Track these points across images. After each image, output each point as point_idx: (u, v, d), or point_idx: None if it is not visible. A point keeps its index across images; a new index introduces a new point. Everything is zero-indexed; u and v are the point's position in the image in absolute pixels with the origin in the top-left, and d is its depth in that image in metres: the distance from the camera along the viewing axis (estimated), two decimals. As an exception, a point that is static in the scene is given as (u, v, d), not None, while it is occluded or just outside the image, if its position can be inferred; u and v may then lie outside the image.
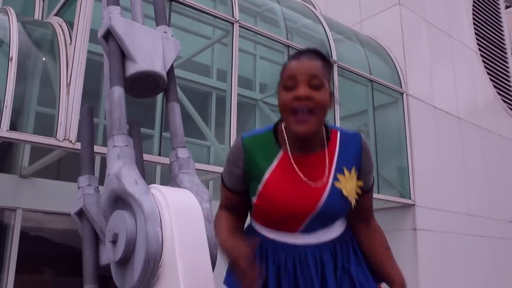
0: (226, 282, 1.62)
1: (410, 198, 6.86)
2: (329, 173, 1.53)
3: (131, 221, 1.77)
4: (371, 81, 7.08)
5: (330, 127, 1.60)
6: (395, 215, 6.94)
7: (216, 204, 1.87)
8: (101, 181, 2.16)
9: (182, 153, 2.20)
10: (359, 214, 1.65)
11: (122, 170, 1.88)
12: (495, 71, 9.49)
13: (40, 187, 5.83)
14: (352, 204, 1.56)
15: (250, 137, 1.61)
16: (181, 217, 1.78)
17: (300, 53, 1.53)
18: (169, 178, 2.16)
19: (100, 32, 2.43)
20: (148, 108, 5.20)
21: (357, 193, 1.57)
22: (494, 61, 9.54)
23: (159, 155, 4.62)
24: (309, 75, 1.44)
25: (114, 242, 1.80)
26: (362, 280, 1.54)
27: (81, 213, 2.15)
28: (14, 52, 4.25)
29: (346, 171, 1.54)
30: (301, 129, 1.44)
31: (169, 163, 2.26)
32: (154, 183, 2.92)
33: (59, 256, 6.20)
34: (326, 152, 1.55)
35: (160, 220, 1.76)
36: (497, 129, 8.95)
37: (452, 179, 7.54)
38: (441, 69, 8.19)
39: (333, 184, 1.52)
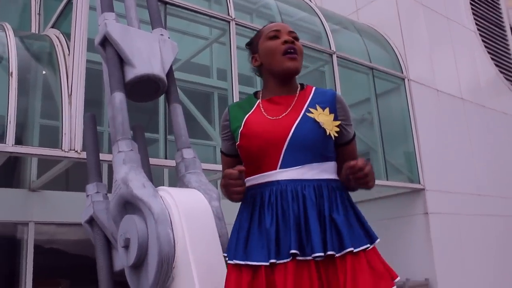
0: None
1: (419, 183, 6.84)
2: (302, 108, 1.69)
3: (142, 224, 1.78)
4: (372, 68, 7.06)
5: (307, 85, 1.81)
6: (405, 200, 6.92)
7: (225, 202, 1.88)
8: (110, 188, 2.17)
9: (188, 153, 2.20)
10: (344, 163, 1.69)
11: (129, 174, 1.89)
12: (496, 49, 9.43)
13: (50, 199, 5.86)
14: (331, 135, 1.64)
15: (235, 103, 1.89)
16: (191, 217, 1.79)
17: (270, 22, 1.85)
18: (177, 180, 2.16)
19: (97, 40, 2.43)
20: (151, 112, 5.21)
21: (336, 132, 1.66)
22: (494, 39, 9.48)
23: (166, 158, 4.62)
24: (288, 30, 1.76)
25: (127, 247, 1.81)
26: (348, 233, 1.55)
27: (91, 221, 2.16)
28: (14, 67, 4.27)
29: (319, 108, 1.68)
30: (293, 64, 1.71)
31: (175, 164, 2.27)
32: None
33: (75, 266, 6.22)
34: (298, 94, 1.74)
35: (171, 222, 1.76)
36: (501, 107, 8.90)
37: (460, 161, 7.51)
38: (441, 52, 8.15)
39: (304, 114, 1.67)
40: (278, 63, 1.72)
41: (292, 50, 1.71)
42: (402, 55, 7.45)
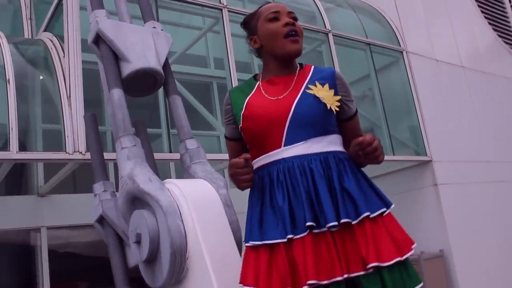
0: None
1: (426, 155, 6.82)
2: (301, 86, 1.71)
3: (152, 218, 1.77)
4: (369, 44, 7.01)
5: (305, 64, 1.83)
6: (413, 173, 6.91)
7: (233, 191, 1.88)
8: (117, 186, 2.16)
9: (191, 144, 2.19)
10: (349, 139, 1.71)
11: (134, 170, 1.88)
12: (493, 14, 9.33)
13: (59, 203, 5.88)
14: (332, 109, 1.66)
15: (235, 87, 1.93)
16: (200, 206, 1.78)
17: (266, 3, 1.86)
18: (182, 171, 2.15)
19: (90, 38, 2.41)
20: (152, 107, 5.20)
21: (337, 107, 1.67)
22: (490, 4, 9.38)
23: (170, 152, 4.62)
24: (287, 11, 1.77)
25: (138, 242, 1.80)
26: (362, 199, 1.55)
27: (101, 220, 2.16)
28: (10, 74, 4.25)
29: (318, 84, 1.70)
30: (295, 47, 1.72)
31: (179, 156, 2.26)
32: (169, 179, 2.91)
33: (91, 268, 6.25)
34: (297, 74, 1.76)
35: (180, 213, 1.75)
36: (502, 72, 8.83)
37: (465, 129, 7.47)
38: (437, 21, 8.08)
39: (304, 91, 1.69)
40: (280, 46, 1.73)
41: (293, 33, 1.72)
42: (398, 28, 7.40)
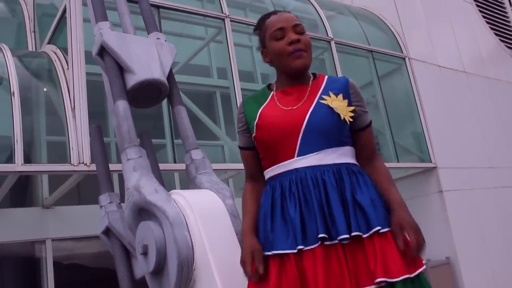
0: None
1: (431, 161, 6.79)
2: (315, 96, 1.71)
3: (158, 230, 1.77)
4: (371, 51, 7.01)
5: (319, 74, 1.83)
6: (418, 180, 6.88)
7: (239, 201, 1.87)
8: (122, 198, 2.16)
9: (196, 154, 2.19)
10: (362, 151, 1.74)
11: (140, 181, 1.88)
12: (494, 19, 9.32)
13: (64, 215, 5.87)
14: (346, 119, 1.65)
15: (249, 96, 1.89)
16: (206, 217, 1.78)
17: (273, 12, 1.83)
18: (188, 182, 2.15)
19: (94, 50, 2.42)
20: (156, 118, 5.20)
21: (351, 117, 1.67)
22: (492, 9, 9.37)
23: (175, 162, 4.62)
24: (293, 25, 1.74)
25: (145, 253, 1.80)
26: (373, 213, 1.54)
27: (108, 231, 2.16)
28: (15, 86, 4.27)
29: (332, 94, 1.70)
30: (301, 62, 1.71)
31: (185, 167, 2.26)
32: (174, 189, 2.91)
33: (96, 280, 6.24)
34: (310, 84, 1.76)
35: (187, 224, 1.75)
36: (506, 77, 8.82)
37: (469, 135, 7.45)
38: (439, 27, 8.08)
39: (318, 102, 1.69)
40: (286, 64, 1.74)
41: (298, 50, 1.72)
42: (400, 35, 7.40)
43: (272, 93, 1.80)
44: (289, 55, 1.72)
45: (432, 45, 7.73)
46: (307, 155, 1.63)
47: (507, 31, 9.47)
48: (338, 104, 1.67)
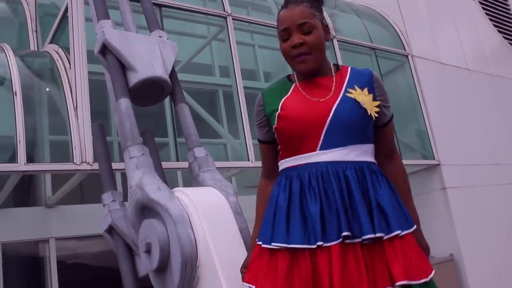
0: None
1: (434, 158, 6.78)
2: (340, 89, 1.66)
3: (161, 227, 1.77)
4: (374, 49, 6.99)
5: (341, 65, 1.78)
6: (422, 178, 6.86)
7: (242, 199, 1.86)
8: (125, 196, 2.15)
9: (199, 152, 2.18)
10: (382, 148, 1.72)
11: (143, 179, 1.88)
12: (498, 16, 9.29)
13: (67, 214, 5.87)
14: (372, 115, 1.62)
15: (267, 88, 1.84)
16: (210, 215, 1.77)
17: (285, 3, 1.73)
18: (191, 179, 2.15)
19: (96, 48, 2.42)
20: (158, 117, 5.20)
21: (376, 112, 1.64)
22: (495, 6, 9.34)
23: (177, 160, 4.61)
24: (298, 24, 1.66)
25: (149, 251, 1.80)
26: (393, 215, 1.53)
27: (111, 230, 2.15)
28: (17, 86, 4.27)
29: (357, 88, 1.65)
30: (303, 67, 1.67)
31: (188, 165, 2.25)
32: (177, 188, 2.90)
33: (100, 279, 6.23)
34: (334, 76, 1.71)
35: (190, 222, 1.75)
36: (508, 74, 8.78)
37: (473, 132, 7.43)
38: (441, 24, 8.05)
39: (344, 95, 1.64)
40: (292, 66, 1.72)
41: (300, 55, 1.67)
42: (403, 32, 7.38)
43: (294, 84, 1.74)
44: (293, 59, 1.69)
45: (435, 42, 7.70)
46: (330, 150, 1.59)
47: (510, 28, 9.43)
48: (365, 98, 1.63)
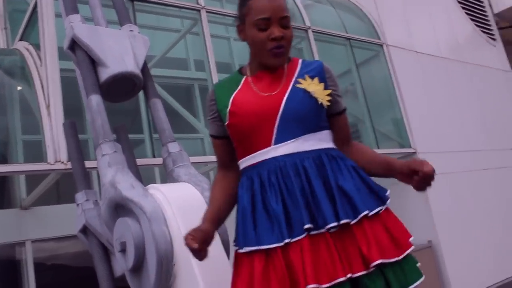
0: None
1: (411, 147, 6.84)
2: (290, 80, 1.64)
3: (136, 226, 1.73)
4: (349, 39, 7.01)
5: (292, 57, 1.75)
6: (399, 166, 6.91)
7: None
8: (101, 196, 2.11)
9: (173, 147, 2.15)
10: (339, 133, 1.70)
11: (116, 177, 1.84)
12: (470, 4, 9.40)
13: (43, 215, 5.77)
14: (323, 104, 1.61)
15: (221, 81, 1.82)
16: (185, 211, 1.74)
17: None
18: (166, 175, 2.11)
19: (66, 44, 2.36)
20: (134, 113, 5.13)
21: (328, 101, 1.62)
22: (466, -6, 9.45)
23: (154, 156, 4.56)
24: (280, 17, 1.62)
25: (123, 250, 1.76)
26: (358, 197, 1.52)
27: (85, 230, 2.11)
28: (-14, 85, 4.17)
29: (308, 78, 1.64)
30: (278, 61, 1.64)
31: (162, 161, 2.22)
32: (154, 184, 2.86)
33: (79, 279, 6.15)
34: (286, 68, 1.68)
35: (165, 219, 1.72)
36: (482, 61, 8.91)
37: (448, 119, 7.51)
38: (415, 13, 8.11)
39: (294, 86, 1.62)
40: (263, 58, 1.65)
41: (279, 47, 1.62)
42: (377, 22, 7.41)
43: (245, 77, 1.70)
44: (268, 51, 1.62)
45: (409, 31, 7.75)
46: (285, 143, 1.57)
47: (482, 16, 9.55)
48: (315, 88, 1.61)
